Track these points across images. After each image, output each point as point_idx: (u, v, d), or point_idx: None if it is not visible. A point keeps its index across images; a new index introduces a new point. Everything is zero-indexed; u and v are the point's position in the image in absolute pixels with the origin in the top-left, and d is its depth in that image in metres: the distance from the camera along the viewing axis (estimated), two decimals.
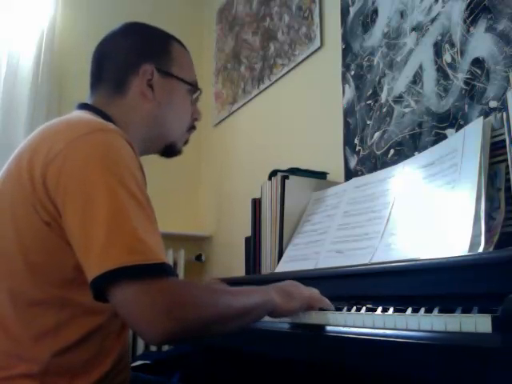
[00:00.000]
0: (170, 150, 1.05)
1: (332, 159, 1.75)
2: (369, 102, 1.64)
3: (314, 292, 0.92)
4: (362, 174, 1.58)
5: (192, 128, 1.08)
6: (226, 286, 0.94)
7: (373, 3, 1.67)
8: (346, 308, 0.88)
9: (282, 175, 1.49)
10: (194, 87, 1.04)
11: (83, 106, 0.96)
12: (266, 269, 1.50)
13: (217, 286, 0.81)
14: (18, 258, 0.77)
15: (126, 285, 0.67)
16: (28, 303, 0.77)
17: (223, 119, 2.65)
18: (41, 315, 0.77)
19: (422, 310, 0.73)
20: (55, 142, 0.77)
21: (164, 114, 0.99)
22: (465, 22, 1.32)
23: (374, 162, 1.58)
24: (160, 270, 0.69)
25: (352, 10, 1.76)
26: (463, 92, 1.31)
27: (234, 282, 1.43)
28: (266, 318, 0.95)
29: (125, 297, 0.67)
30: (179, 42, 1.05)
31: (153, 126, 0.99)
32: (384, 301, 0.85)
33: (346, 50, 1.77)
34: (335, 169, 1.70)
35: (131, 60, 0.97)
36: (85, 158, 0.74)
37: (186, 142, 1.08)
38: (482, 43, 1.26)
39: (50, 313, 0.77)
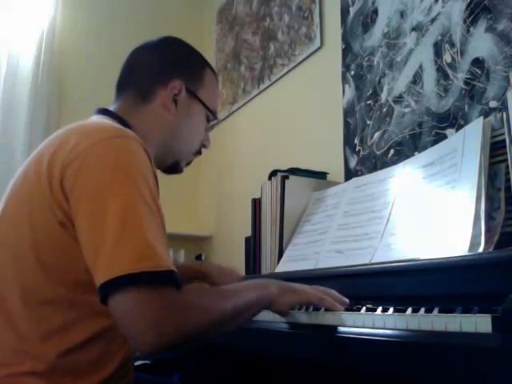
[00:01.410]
0: (173, 168, 1.09)
1: (332, 159, 1.75)
2: (369, 102, 1.64)
3: (317, 290, 0.90)
4: (362, 174, 1.58)
5: (198, 153, 1.11)
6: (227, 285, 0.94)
7: (373, 3, 1.67)
8: (345, 308, 0.88)
9: (282, 175, 1.49)
10: (213, 115, 1.08)
11: (102, 112, 0.97)
12: (266, 269, 1.50)
13: (215, 289, 0.81)
14: (32, 257, 0.78)
15: (129, 291, 0.68)
16: (38, 301, 0.78)
17: (223, 119, 2.65)
18: (49, 314, 0.78)
19: (422, 309, 0.73)
20: (75, 145, 0.78)
21: (180, 130, 1.03)
22: (465, 22, 1.32)
23: (374, 162, 1.58)
24: (166, 278, 0.71)
25: (352, 10, 1.76)
26: (463, 92, 1.31)
27: None
28: (266, 318, 0.96)
29: (125, 302, 0.68)
30: (213, 70, 1.09)
31: (167, 139, 1.02)
32: (384, 301, 0.84)
33: (346, 50, 1.77)
34: (335, 169, 1.70)
35: (164, 71, 1.00)
36: (102, 162, 0.76)
37: (188, 163, 1.12)
38: (482, 43, 1.26)
39: (58, 312, 0.78)
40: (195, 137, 1.07)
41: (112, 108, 1.00)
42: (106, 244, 0.70)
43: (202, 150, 1.12)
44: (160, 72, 1.00)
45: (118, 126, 0.88)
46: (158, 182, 0.84)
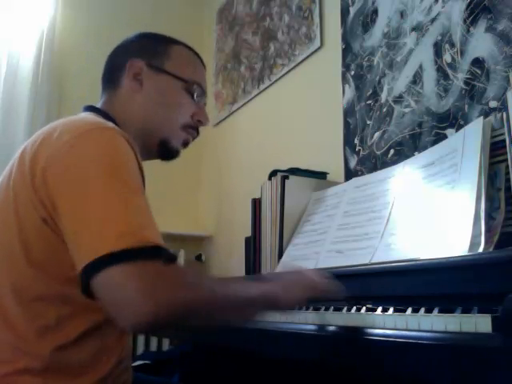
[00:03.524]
0: (165, 149, 1.04)
1: (332, 159, 1.75)
2: (369, 102, 1.64)
3: (319, 279, 0.87)
4: (362, 174, 1.58)
5: (190, 128, 1.05)
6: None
7: (373, 3, 1.67)
8: (345, 308, 0.88)
9: (282, 175, 1.49)
10: (189, 84, 1.03)
11: (87, 108, 1.00)
12: (265, 269, 1.50)
13: (211, 275, 0.81)
14: (22, 255, 0.78)
15: (116, 267, 0.66)
16: (30, 298, 0.78)
17: (223, 119, 2.65)
18: (43, 310, 0.78)
19: (422, 309, 0.73)
20: (57, 139, 0.79)
21: (155, 107, 1.01)
22: (465, 22, 1.32)
23: (374, 162, 1.58)
24: (153, 253, 0.69)
25: (352, 10, 1.76)
26: (463, 92, 1.31)
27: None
28: (266, 318, 0.95)
29: (114, 278, 0.66)
30: (185, 45, 1.08)
31: (144, 119, 1.00)
32: (384, 301, 0.84)
33: (346, 50, 1.77)
34: (335, 169, 1.70)
35: (119, 57, 1.04)
36: (84, 154, 0.76)
37: (186, 145, 1.07)
38: (482, 43, 1.26)
39: (52, 308, 0.78)
40: (174, 111, 1.02)
41: (98, 105, 1.03)
42: (89, 233, 0.69)
43: (200, 128, 1.08)
44: (117, 59, 1.04)
45: (100, 119, 0.89)
46: (144, 176, 0.83)
